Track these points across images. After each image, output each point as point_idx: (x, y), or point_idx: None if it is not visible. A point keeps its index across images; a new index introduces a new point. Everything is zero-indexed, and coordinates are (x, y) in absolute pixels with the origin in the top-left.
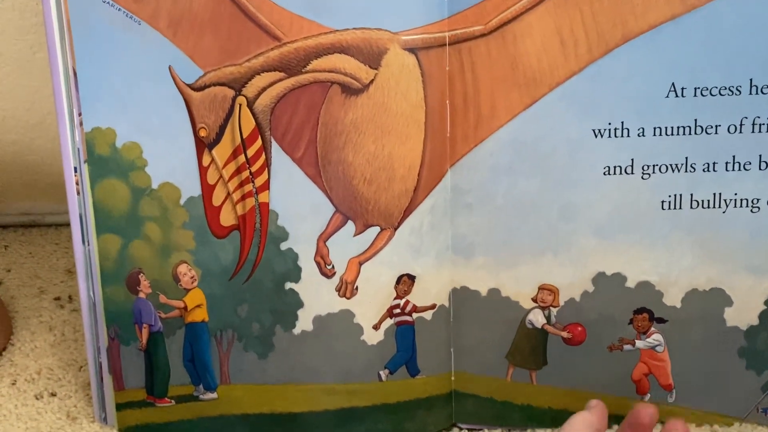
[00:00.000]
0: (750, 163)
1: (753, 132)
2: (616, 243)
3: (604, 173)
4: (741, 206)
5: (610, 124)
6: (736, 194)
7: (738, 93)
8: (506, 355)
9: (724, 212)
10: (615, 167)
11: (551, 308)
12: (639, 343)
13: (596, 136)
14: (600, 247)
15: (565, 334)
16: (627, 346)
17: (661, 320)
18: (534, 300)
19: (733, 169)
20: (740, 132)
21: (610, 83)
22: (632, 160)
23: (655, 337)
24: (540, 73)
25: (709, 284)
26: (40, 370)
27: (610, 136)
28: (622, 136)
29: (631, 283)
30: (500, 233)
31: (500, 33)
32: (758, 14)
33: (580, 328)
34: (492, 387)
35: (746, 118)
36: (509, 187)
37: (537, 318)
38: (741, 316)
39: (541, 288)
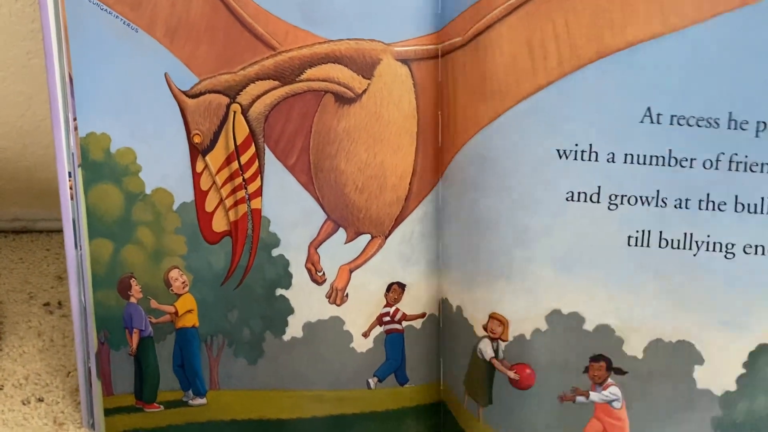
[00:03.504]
0: (725, 204)
1: (729, 170)
2: (575, 278)
3: (567, 198)
4: (714, 250)
5: (577, 145)
6: (708, 236)
7: (716, 126)
8: (463, 380)
9: (695, 255)
10: (579, 193)
11: (500, 341)
12: (593, 396)
13: (561, 157)
14: (557, 281)
15: (512, 374)
16: (580, 398)
17: (619, 371)
18: (484, 328)
19: (707, 208)
20: (716, 168)
21: (580, 100)
22: (599, 187)
23: (612, 390)
24: (506, 85)
25: (676, 335)
26: (27, 375)
27: (576, 159)
28: (589, 159)
29: (589, 326)
30: (464, 250)
31: (474, 43)
32: (744, 44)
33: (528, 371)
34: (457, 407)
35: (723, 153)
36: (471, 202)
37: (486, 349)
38: (715, 378)
39: (491, 317)
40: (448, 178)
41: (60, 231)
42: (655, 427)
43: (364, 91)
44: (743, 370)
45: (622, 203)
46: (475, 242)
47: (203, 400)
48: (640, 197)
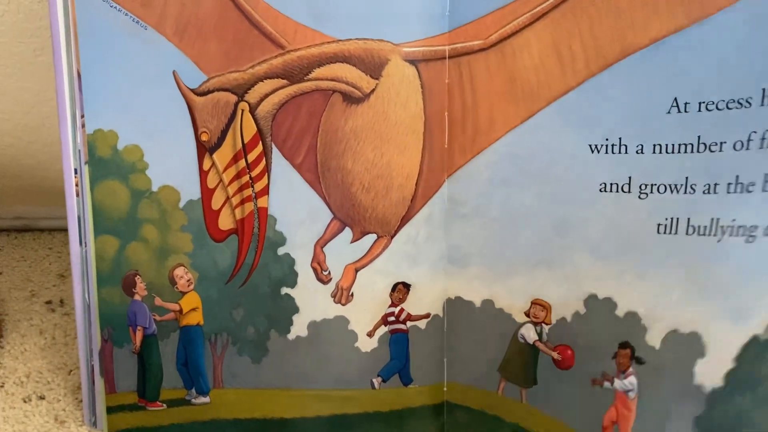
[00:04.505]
0: (753, 184)
1: (761, 147)
2: (609, 265)
3: (600, 190)
4: (737, 235)
5: (607, 139)
6: (734, 220)
7: (748, 105)
8: (498, 368)
9: (719, 241)
10: (612, 184)
11: (543, 325)
12: (617, 383)
13: (593, 152)
14: (594, 267)
15: (555, 354)
16: (607, 384)
17: (640, 360)
18: (527, 314)
19: (735, 191)
20: (747, 148)
21: (608, 98)
22: (630, 178)
23: (631, 380)
24: (537, 88)
25: (690, 326)
26: (29, 373)
27: (607, 152)
28: (620, 152)
29: (620, 312)
30: (495, 245)
31: (499, 48)
32: None
33: (570, 352)
34: (483, 400)
35: (755, 132)
36: (504, 199)
37: (529, 333)
38: (710, 372)
39: (533, 303)
40: (466, 177)
41: (62, 230)
42: (654, 422)
43: (372, 90)
44: (733, 365)
45: (651, 192)
46: (509, 235)
47: (206, 399)
48: (670, 185)
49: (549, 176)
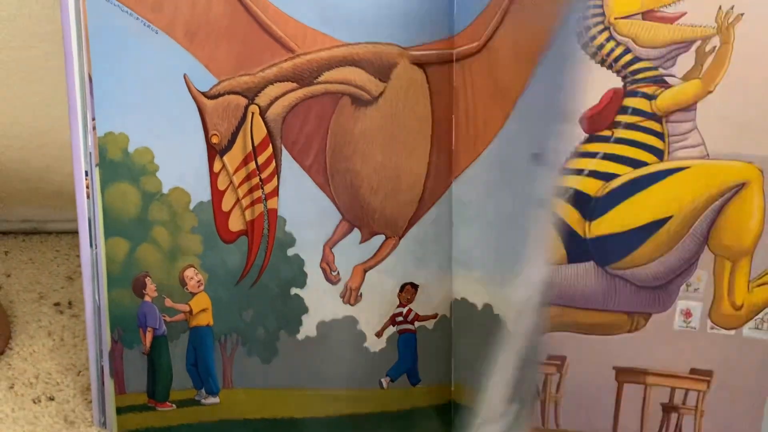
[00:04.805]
0: None
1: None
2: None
3: (537, 205)
4: None
5: (550, 149)
6: None
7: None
8: None
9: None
10: (543, 200)
11: None
12: None
13: (534, 161)
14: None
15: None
16: None
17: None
18: None
19: None
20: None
21: (542, 97)
22: (551, 194)
23: None
24: (509, 88)
25: None
26: (38, 374)
27: (546, 164)
28: (555, 165)
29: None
30: (492, 249)
31: (486, 48)
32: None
33: None
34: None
35: None
36: (497, 203)
37: None
38: None
39: None
40: (468, 180)
41: (70, 232)
42: None
43: (381, 93)
44: None
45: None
46: (503, 241)
47: (216, 399)
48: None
49: (525, 182)
